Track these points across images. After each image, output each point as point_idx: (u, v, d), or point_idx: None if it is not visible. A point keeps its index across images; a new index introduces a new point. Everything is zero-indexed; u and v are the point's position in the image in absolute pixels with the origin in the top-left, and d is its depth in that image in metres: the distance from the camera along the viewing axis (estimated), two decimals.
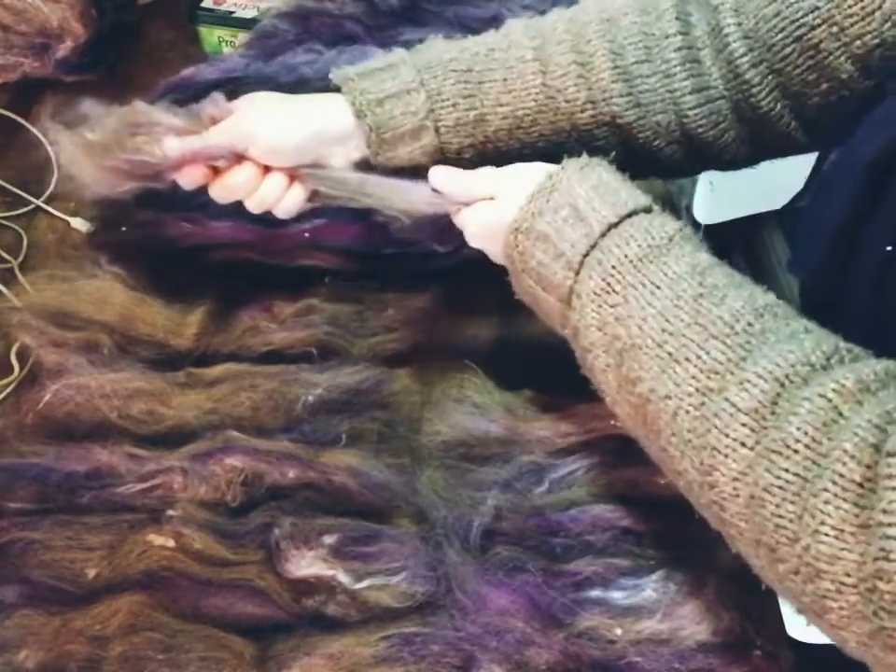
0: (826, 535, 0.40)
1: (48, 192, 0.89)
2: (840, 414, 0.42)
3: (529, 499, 0.62)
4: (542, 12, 1.09)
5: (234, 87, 0.91)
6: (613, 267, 0.51)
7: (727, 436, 0.44)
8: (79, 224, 0.85)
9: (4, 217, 0.87)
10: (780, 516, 0.42)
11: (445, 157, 0.62)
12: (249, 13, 1.06)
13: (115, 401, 0.66)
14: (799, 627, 0.60)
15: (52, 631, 0.56)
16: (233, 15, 1.06)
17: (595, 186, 0.54)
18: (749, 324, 0.47)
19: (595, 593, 0.58)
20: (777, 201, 1.29)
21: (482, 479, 0.63)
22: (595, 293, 0.52)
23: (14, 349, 0.72)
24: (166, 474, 0.63)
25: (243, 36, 1.04)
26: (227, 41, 1.07)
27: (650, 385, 0.48)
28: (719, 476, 0.45)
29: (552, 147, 0.61)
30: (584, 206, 0.53)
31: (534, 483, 0.63)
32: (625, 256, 0.51)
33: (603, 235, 0.52)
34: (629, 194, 0.54)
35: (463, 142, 0.62)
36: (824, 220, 0.57)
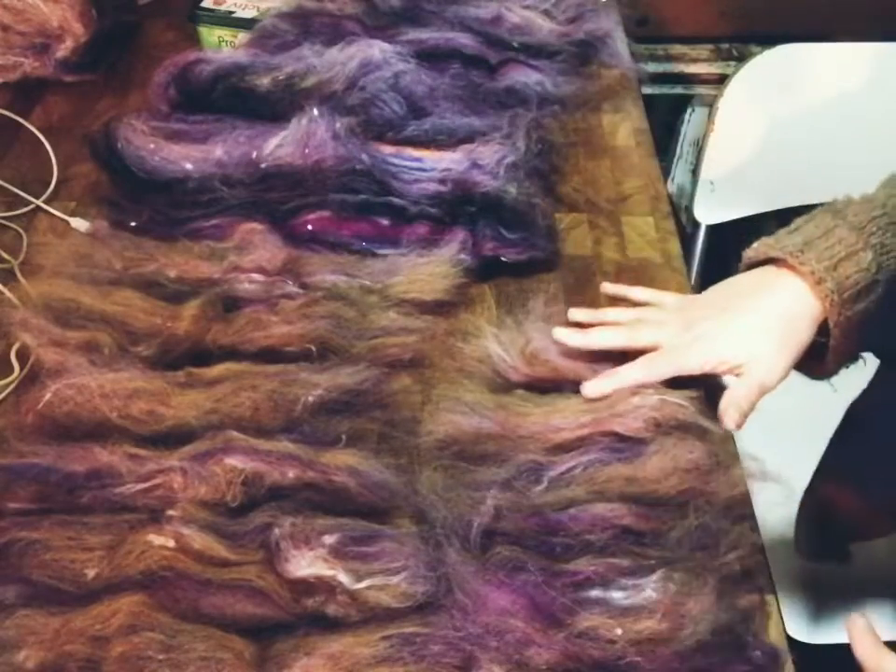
0: None
1: (48, 192, 0.90)
2: None
3: (529, 498, 0.62)
4: (544, 12, 1.10)
5: (240, 76, 0.92)
6: None
7: None
8: (79, 224, 0.85)
9: (4, 217, 0.87)
10: None
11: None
12: (249, 13, 1.07)
13: (115, 401, 0.66)
14: (799, 627, 0.60)
15: (52, 631, 0.55)
16: (233, 15, 1.07)
17: None
18: None
19: (596, 592, 0.58)
20: (777, 201, 1.29)
21: (481, 478, 0.63)
22: None
23: (14, 349, 0.72)
24: (166, 474, 0.63)
25: (242, 36, 1.05)
26: (227, 41, 1.07)
27: None
28: None
29: None
30: None
31: (533, 481, 0.63)
32: None
33: None
34: None
35: None
36: None
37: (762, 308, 0.68)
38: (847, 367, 0.71)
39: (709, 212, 1.28)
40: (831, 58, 1.21)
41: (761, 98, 1.20)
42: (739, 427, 0.66)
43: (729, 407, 0.66)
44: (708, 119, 1.22)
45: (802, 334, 0.67)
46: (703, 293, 0.73)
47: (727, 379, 0.69)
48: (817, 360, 0.70)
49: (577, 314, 0.75)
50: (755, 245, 0.71)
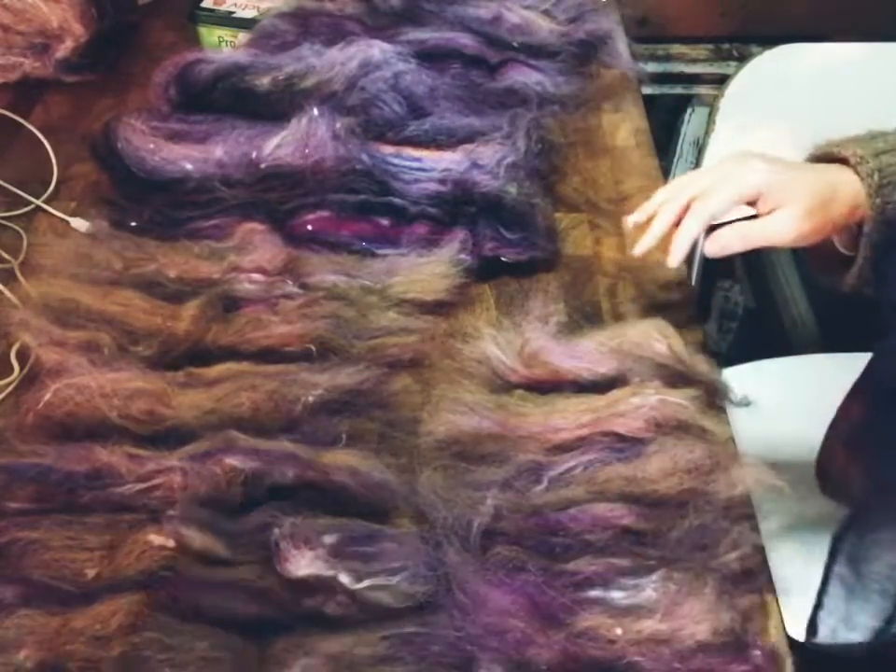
0: None
1: (48, 192, 0.90)
2: None
3: (528, 498, 0.62)
4: (544, 12, 1.10)
5: (240, 76, 0.92)
6: None
7: None
8: (79, 224, 0.85)
9: (4, 217, 0.87)
10: None
11: None
12: (249, 13, 1.07)
13: (115, 401, 0.66)
14: (799, 627, 0.60)
15: (52, 631, 0.55)
16: (233, 15, 1.07)
17: None
18: None
19: (595, 592, 0.58)
20: None
21: (481, 478, 0.63)
22: None
23: (14, 349, 0.72)
24: (166, 474, 0.63)
25: (243, 36, 1.05)
26: (227, 41, 1.07)
27: None
28: None
29: None
30: None
31: (533, 481, 0.63)
32: None
33: None
34: None
35: None
36: None
37: (808, 170, 0.70)
38: (866, 289, 0.72)
39: None
40: (831, 58, 1.21)
41: (762, 98, 1.20)
42: (714, 254, 0.70)
43: (725, 234, 0.69)
44: (709, 119, 1.22)
45: (834, 204, 0.68)
46: None
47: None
48: (841, 271, 0.71)
49: (634, 216, 0.75)
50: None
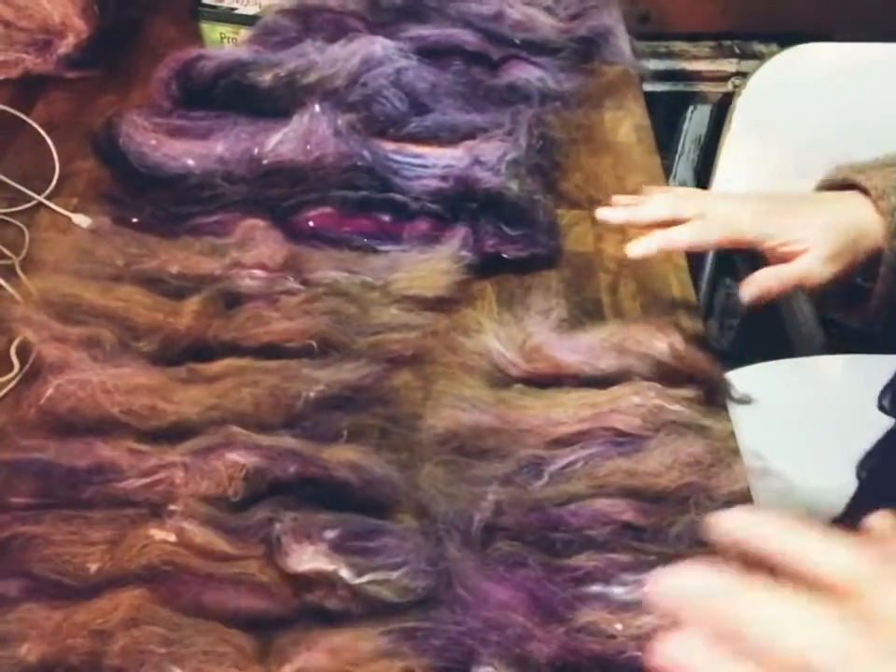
0: None
1: (49, 188, 0.90)
2: None
3: (529, 493, 0.62)
4: (546, 9, 1.10)
5: (242, 72, 0.92)
6: None
7: None
8: (81, 220, 0.85)
9: (6, 214, 0.87)
10: None
11: None
12: (251, 10, 1.07)
13: (117, 397, 0.66)
14: None
15: (54, 625, 0.56)
16: (235, 11, 1.07)
17: None
18: None
19: (596, 588, 0.58)
20: None
21: (482, 473, 0.63)
22: None
23: (14, 345, 0.72)
24: (168, 469, 0.63)
25: (244, 33, 1.05)
26: (229, 37, 1.07)
27: None
28: None
29: None
30: None
31: (533, 476, 0.63)
32: None
33: None
34: None
35: None
36: None
37: (826, 204, 0.68)
38: (888, 317, 0.71)
39: None
40: (848, 58, 1.21)
41: (778, 97, 1.20)
42: (753, 299, 0.67)
43: (761, 277, 0.67)
44: (726, 118, 1.21)
45: (861, 241, 0.67)
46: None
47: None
48: (860, 305, 0.70)
49: (621, 199, 0.75)
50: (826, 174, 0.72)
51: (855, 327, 0.72)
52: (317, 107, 0.87)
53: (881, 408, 0.72)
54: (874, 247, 0.67)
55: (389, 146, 0.89)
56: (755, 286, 0.68)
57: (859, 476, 0.71)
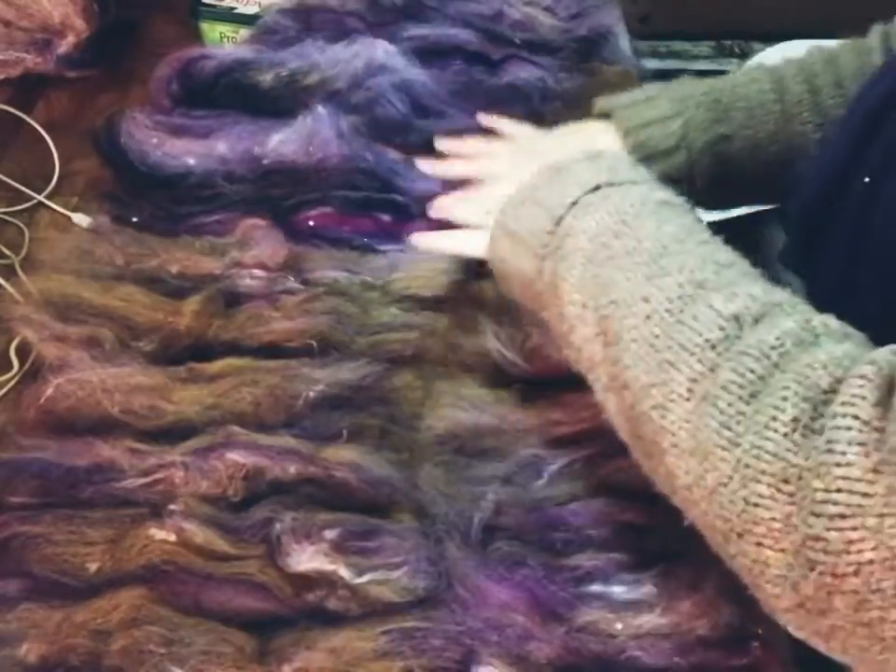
0: (775, 431, 0.41)
1: (49, 188, 0.90)
2: (816, 337, 0.44)
3: (529, 493, 0.62)
4: (546, 8, 1.10)
5: (242, 72, 0.92)
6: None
7: (700, 335, 0.46)
8: (81, 219, 0.85)
9: (5, 213, 0.87)
10: (729, 415, 0.43)
11: (691, 174, 0.74)
12: (251, 9, 1.07)
13: (116, 396, 0.66)
14: None
15: (54, 625, 0.56)
16: (235, 11, 1.06)
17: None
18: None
19: (596, 587, 0.58)
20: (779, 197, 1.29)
21: (482, 474, 0.63)
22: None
23: (14, 345, 0.72)
24: (168, 469, 0.63)
25: (244, 32, 1.05)
26: (228, 37, 1.07)
27: (627, 290, 0.50)
28: (675, 375, 0.46)
29: (779, 169, 0.74)
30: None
31: (533, 476, 0.63)
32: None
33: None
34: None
35: (709, 160, 0.74)
36: (818, 166, 0.65)
37: (567, 145, 0.73)
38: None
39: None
40: None
41: None
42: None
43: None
44: None
45: None
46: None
47: None
48: None
49: (441, 143, 0.82)
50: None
51: None
52: (321, 109, 0.87)
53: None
54: None
55: (394, 154, 0.89)
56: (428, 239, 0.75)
57: None
